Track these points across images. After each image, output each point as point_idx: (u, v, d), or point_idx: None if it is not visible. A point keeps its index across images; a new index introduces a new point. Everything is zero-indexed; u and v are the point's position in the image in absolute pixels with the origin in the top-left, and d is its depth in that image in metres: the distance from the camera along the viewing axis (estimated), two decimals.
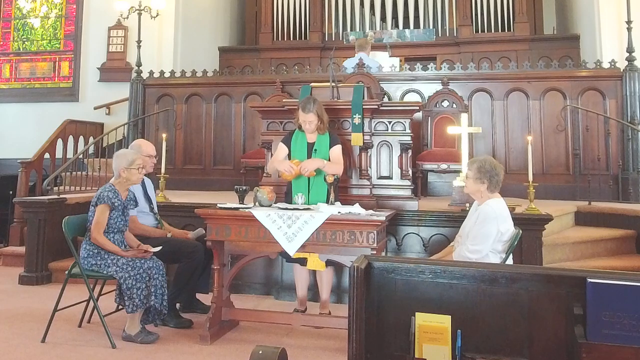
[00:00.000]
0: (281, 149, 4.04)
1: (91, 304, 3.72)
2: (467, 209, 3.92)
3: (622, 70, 6.22)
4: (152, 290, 3.49)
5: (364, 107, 4.27)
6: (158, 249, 3.66)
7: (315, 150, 3.93)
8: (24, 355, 3.29)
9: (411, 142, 4.45)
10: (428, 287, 1.94)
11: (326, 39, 9.84)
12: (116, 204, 3.60)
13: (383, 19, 9.85)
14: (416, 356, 1.85)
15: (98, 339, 3.53)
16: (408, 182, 4.45)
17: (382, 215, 3.47)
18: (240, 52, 10.29)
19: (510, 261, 3.24)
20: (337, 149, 3.98)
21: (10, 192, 6.08)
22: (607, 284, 1.72)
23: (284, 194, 4.07)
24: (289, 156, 3.98)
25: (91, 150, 7.41)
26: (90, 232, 3.59)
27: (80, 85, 8.85)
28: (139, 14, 7.29)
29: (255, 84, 7.04)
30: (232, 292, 3.87)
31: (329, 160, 3.92)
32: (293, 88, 6.40)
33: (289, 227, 3.42)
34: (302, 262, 3.70)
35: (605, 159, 6.01)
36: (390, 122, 4.41)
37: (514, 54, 8.91)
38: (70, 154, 7.08)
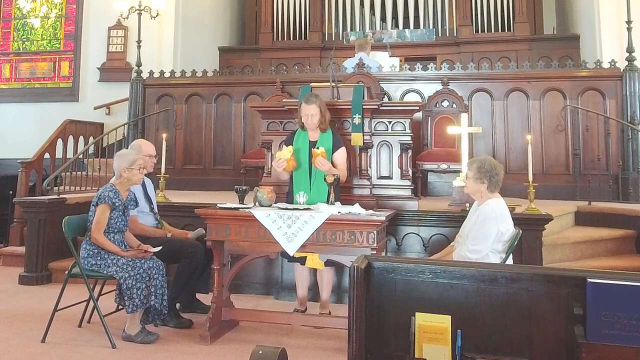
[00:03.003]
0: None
1: (91, 304, 3.72)
2: (467, 209, 3.92)
3: (622, 70, 6.22)
4: (152, 290, 3.49)
5: (364, 107, 4.27)
6: (158, 249, 3.66)
7: (318, 148, 3.91)
8: (24, 355, 3.29)
9: (411, 142, 4.44)
10: (428, 287, 1.94)
11: (326, 39, 9.84)
12: (117, 204, 3.59)
13: (383, 19, 9.85)
14: (416, 356, 1.85)
15: (98, 339, 3.53)
16: (408, 182, 4.44)
17: (382, 215, 3.47)
18: (240, 52, 10.29)
19: (510, 261, 3.24)
20: (342, 155, 3.98)
21: (10, 192, 6.08)
22: (607, 284, 1.72)
23: (285, 194, 4.07)
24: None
25: (91, 150, 7.41)
26: (90, 232, 3.59)
27: (80, 85, 8.85)
28: (139, 14, 7.29)
29: (255, 84, 7.04)
30: (232, 292, 3.87)
31: (332, 161, 3.92)
32: (293, 88, 6.40)
33: (289, 227, 3.41)
34: (303, 260, 3.71)
35: (605, 159, 6.01)
36: (390, 122, 4.40)
37: (514, 54, 8.91)
38: (70, 154, 7.08)
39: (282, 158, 3.81)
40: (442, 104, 6.06)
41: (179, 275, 3.94)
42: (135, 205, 3.84)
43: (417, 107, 4.70)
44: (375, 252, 3.29)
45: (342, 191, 4.10)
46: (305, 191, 3.82)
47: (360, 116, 4.24)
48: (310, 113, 3.87)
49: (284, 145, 4.07)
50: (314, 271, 4.05)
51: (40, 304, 4.36)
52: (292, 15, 10.02)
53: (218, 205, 3.72)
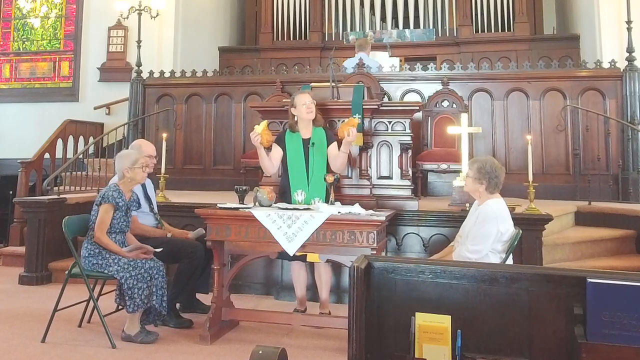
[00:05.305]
0: (275, 151, 3.98)
1: (91, 304, 3.72)
2: (467, 209, 3.92)
3: (622, 70, 6.22)
4: (153, 290, 3.49)
5: (364, 107, 4.27)
6: (159, 250, 3.66)
7: (313, 143, 3.88)
8: (24, 355, 3.29)
9: (411, 142, 4.45)
10: (428, 287, 1.94)
11: (326, 39, 9.84)
12: (120, 204, 3.59)
13: (383, 19, 9.85)
14: (416, 356, 1.85)
15: (98, 339, 3.53)
16: (408, 182, 4.44)
17: (382, 215, 3.47)
18: (240, 52, 10.29)
19: (510, 261, 3.24)
20: (336, 147, 3.97)
21: (10, 192, 6.08)
22: (607, 284, 1.72)
23: (279, 193, 3.97)
24: (285, 156, 3.95)
25: (91, 150, 7.41)
26: (93, 231, 3.59)
27: (80, 85, 8.85)
28: (139, 14, 7.29)
29: (255, 84, 7.04)
30: (232, 292, 3.87)
31: (328, 154, 3.91)
32: (293, 88, 6.39)
33: (289, 227, 3.41)
34: (303, 257, 3.70)
35: (605, 159, 6.01)
36: (390, 122, 4.41)
37: (514, 54, 8.91)
38: (70, 154, 7.08)
39: (256, 132, 3.79)
40: (442, 104, 6.06)
41: (179, 275, 3.94)
42: (137, 207, 3.84)
43: (417, 107, 4.70)
44: (375, 252, 3.29)
45: (341, 191, 4.10)
46: (303, 189, 3.81)
47: (360, 116, 4.24)
48: (309, 100, 3.86)
49: (274, 145, 4.03)
50: (311, 271, 4.05)
51: (40, 304, 4.36)
52: (292, 15, 10.02)
53: (218, 205, 3.71)
